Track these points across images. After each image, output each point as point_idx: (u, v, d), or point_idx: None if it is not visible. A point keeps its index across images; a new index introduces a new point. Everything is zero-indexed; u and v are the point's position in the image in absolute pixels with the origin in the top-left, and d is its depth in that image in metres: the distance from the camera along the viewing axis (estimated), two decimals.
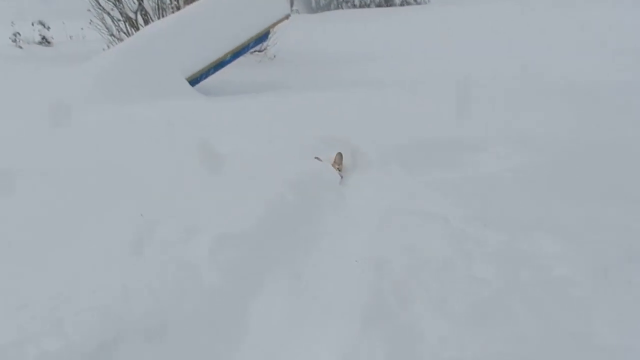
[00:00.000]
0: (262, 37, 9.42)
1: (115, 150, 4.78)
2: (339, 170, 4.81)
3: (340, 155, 4.92)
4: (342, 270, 3.20)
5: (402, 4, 24.59)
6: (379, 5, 25.28)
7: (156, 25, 8.80)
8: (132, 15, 11.70)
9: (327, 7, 27.23)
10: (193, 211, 3.32)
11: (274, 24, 9.32)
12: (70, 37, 17.83)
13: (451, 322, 2.52)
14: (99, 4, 11.78)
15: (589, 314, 2.44)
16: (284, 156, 4.80)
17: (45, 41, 16.24)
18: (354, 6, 26.06)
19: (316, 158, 4.85)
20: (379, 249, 3.33)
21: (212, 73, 8.73)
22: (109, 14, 11.90)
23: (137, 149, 4.84)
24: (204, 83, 8.66)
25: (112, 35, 12.06)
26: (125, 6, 11.59)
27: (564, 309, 2.50)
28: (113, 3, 11.80)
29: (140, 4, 11.56)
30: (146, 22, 11.72)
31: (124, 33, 11.99)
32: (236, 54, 8.83)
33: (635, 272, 2.70)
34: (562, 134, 5.45)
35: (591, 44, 10.66)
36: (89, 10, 11.79)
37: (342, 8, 26.34)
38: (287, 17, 9.37)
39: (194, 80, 8.24)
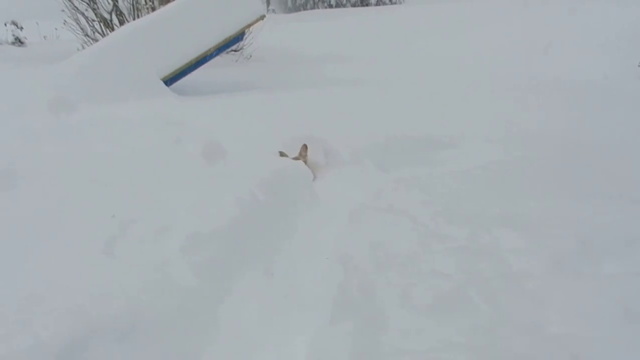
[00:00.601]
0: (238, 37, 9.43)
1: (88, 150, 4.77)
2: (305, 162, 4.86)
3: (305, 146, 4.97)
4: (313, 267, 3.29)
5: (377, 4, 24.71)
6: (354, 5, 25.39)
7: (131, 25, 8.76)
8: (106, 15, 11.62)
9: (303, 7, 27.31)
10: (166, 210, 3.34)
11: (249, 25, 9.33)
12: (44, 37, 17.67)
13: (413, 316, 2.61)
14: (73, 4, 11.67)
15: (542, 305, 2.56)
16: (257, 154, 4.84)
17: (18, 41, 16.06)
18: (330, 6, 26.16)
19: (280, 152, 4.91)
20: (349, 246, 3.43)
21: (188, 73, 8.72)
22: (83, 14, 11.80)
23: (110, 149, 4.83)
24: (179, 83, 8.65)
25: (86, 35, 11.96)
26: (100, 7, 11.50)
27: (519, 301, 2.62)
28: (87, 3, 11.69)
29: (115, 5, 11.49)
30: (121, 22, 11.63)
31: (99, 33, 11.89)
32: (211, 54, 8.84)
33: (584, 264, 2.83)
34: (533, 130, 5.59)
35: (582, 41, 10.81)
36: (63, 10, 11.68)
37: (318, 7, 26.43)
38: (262, 17, 9.40)
39: (169, 80, 8.23)
